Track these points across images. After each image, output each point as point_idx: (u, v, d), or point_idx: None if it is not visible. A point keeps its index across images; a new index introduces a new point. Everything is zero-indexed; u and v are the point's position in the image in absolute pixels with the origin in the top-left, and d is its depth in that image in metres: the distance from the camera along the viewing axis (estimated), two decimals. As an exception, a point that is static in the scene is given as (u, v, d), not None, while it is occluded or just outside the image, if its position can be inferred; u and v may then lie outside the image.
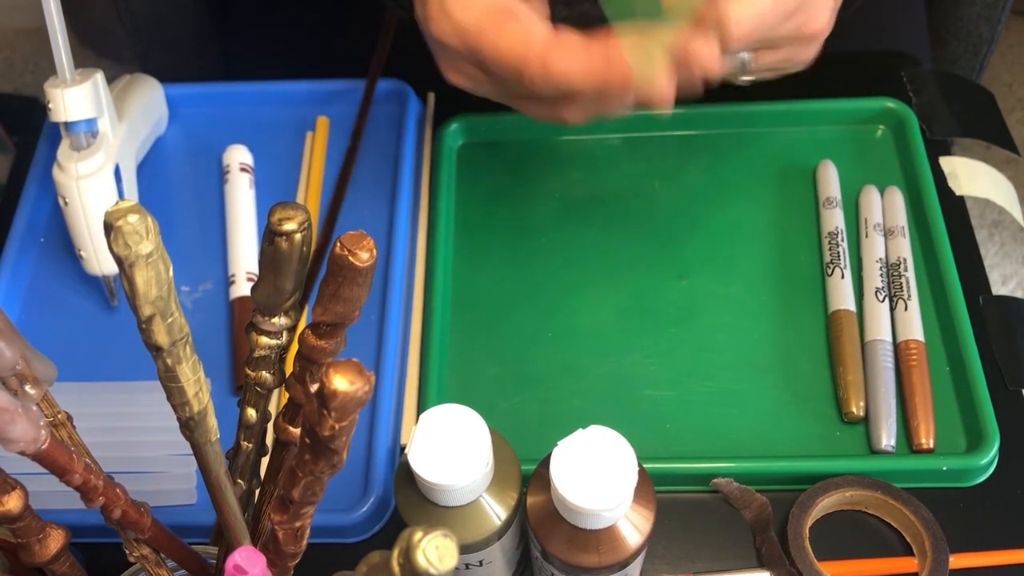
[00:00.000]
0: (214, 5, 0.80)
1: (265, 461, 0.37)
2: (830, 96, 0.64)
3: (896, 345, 0.54)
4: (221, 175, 0.64)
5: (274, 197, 0.63)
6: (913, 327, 0.54)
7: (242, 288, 0.58)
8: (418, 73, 0.67)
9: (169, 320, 0.27)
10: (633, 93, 0.45)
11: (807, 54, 0.52)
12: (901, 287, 0.56)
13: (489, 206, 0.63)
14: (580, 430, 0.39)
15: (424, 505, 0.41)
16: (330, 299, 0.31)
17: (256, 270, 0.59)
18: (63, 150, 0.55)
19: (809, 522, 0.49)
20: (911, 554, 0.49)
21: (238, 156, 0.63)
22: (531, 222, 0.62)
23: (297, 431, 0.35)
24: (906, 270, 0.57)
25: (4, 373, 0.28)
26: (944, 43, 0.82)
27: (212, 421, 0.31)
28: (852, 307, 0.56)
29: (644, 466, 0.40)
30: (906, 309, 0.55)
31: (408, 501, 0.41)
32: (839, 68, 0.66)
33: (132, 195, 0.59)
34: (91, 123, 0.55)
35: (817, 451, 0.52)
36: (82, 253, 0.57)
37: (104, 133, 0.56)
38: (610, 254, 0.60)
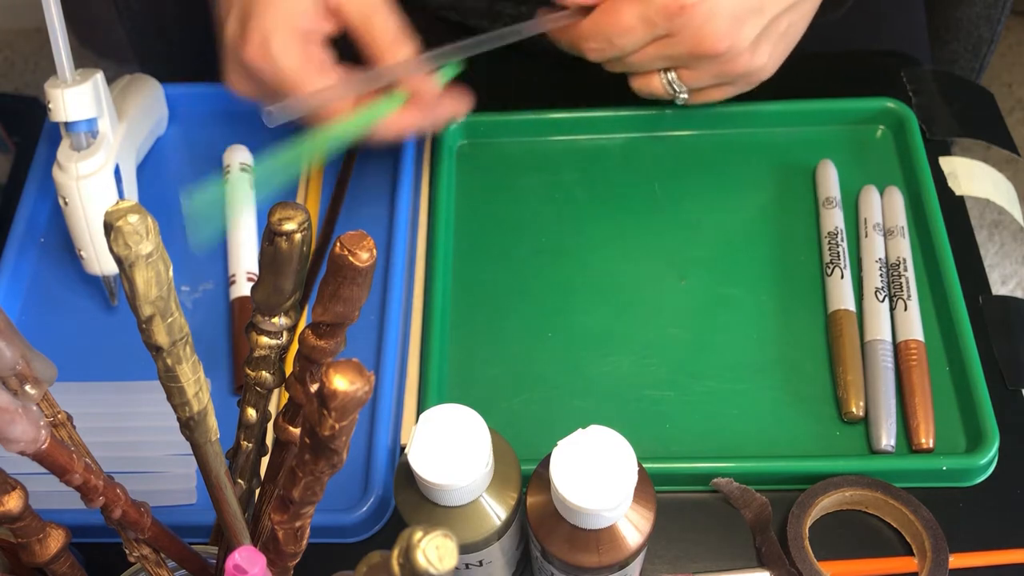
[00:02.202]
0: (214, 5, 0.80)
1: (265, 461, 0.37)
2: (830, 96, 0.64)
3: (896, 345, 0.55)
4: (221, 175, 0.64)
5: (275, 197, 0.63)
6: (913, 327, 0.54)
7: (242, 288, 0.58)
8: (418, 73, 0.67)
9: (169, 320, 0.27)
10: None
11: (736, 68, 0.55)
12: (901, 287, 0.56)
13: (489, 206, 0.63)
14: (580, 430, 0.39)
15: (424, 505, 0.41)
16: (330, 299, 0.31)
17: (256, 270, 0.59)
18: (63, 150, 0.55)
19: (809, 522, 0.49)
20: (911, 554, 0.49)
21: (238, 156, 0.63)
22: (531, 222, 0.62)
23: (297, 431, 0.35)
24: (906, 270, 0.57)
25: (4, 373, 0.28)
26: (944, 43, 0.82)
27: (212, 421, 0.31)
28: (852, 307, 0.56)
29: (644, 466, 0.40)
30: (906, 309, 0.55)
31: (408, 501, 0.41)
32: (839, 68, 0.67)
33: (132, 195, 0.59)
34: (91, 123, 0.55)
35: (817, 451, 0.52)
36: (82, 253, 0.57)
37: (104, 133, 0.56)
38: (610, 254, 0.60)
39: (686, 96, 0.58)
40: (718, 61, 0.54)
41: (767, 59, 0.56)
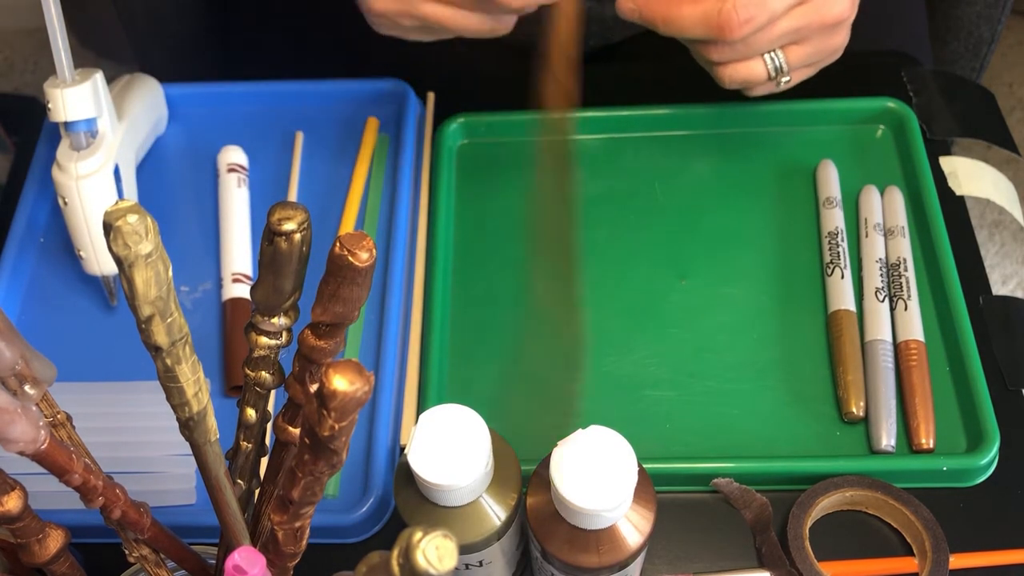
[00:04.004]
0: (214, 5, 0.80)
1: (265, 461, 0.37)
2: (830, 96, 0.64)
3: (896, 345, 0.54)
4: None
5: (274, 197, 0.63)
6: (913, 327, 0.54)
7: (230, 290, 0.58)
8: (418, 73, 0.67)
9: (168, 320, 0.27)
10: None
11: (835, 42, 0.53)
12: (901, 287, 0.56)
13: (489, 206, 0.63)
14: (580, 430, 0.39)
15: (424, 505, 0.40)
16: (330, 299, 0.31)
17: (243, 271, 0.59)
18: (63, 150, 0.55)
19: (809, 522, 0.49)
20: (911, 554, 0.49)
21: (227, 157, 0.63)
22: (531, 222, 0.62)
23: (297, 431, 0.35)
24: (906, 270, 0.57)
25: (4, 373, 0.28)
26: (944, 43, 0.82)
27: (211, 421, 0.31)
28: (852, 307, 0.56)
29: (644, 466, 0.40)
30: (906, 309, 0.55)
31: (408, 501, 0.41)
32: (839, 68, 0.67)
33: (131, 195, 0.59)
34: (91, 123, 0.55)
35: (817, 451, 0.52)
36: (82, 253, 0.57)
37: (104, 133, 0.56)
38: (610, 254, 0.60)
39: (789, 79, 0.54)
40: (832, 32, 0.52)
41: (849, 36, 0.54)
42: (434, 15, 0.51)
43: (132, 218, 0.25)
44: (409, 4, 0.51)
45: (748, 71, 0.54)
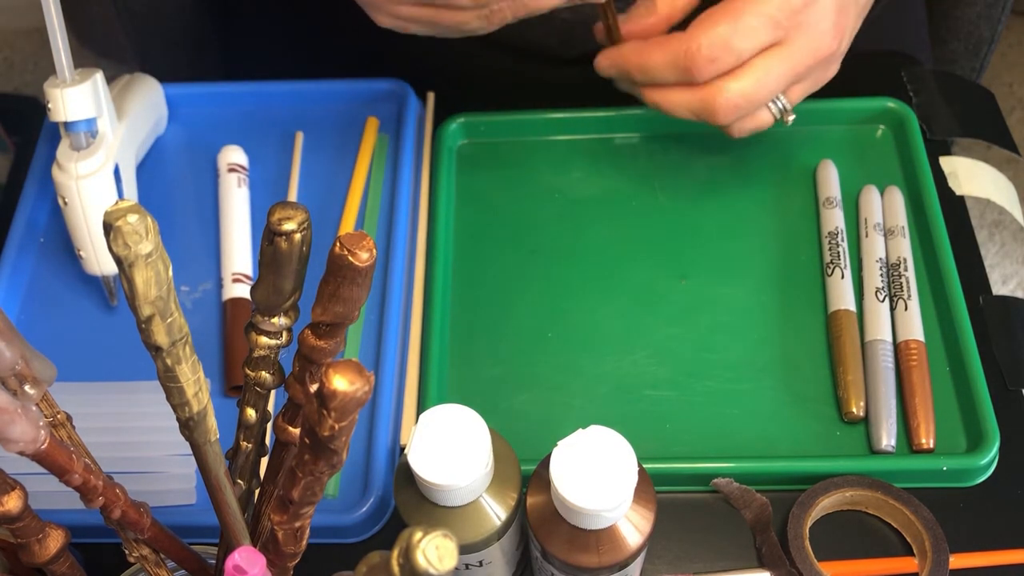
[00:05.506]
0: (214, 5, 0.80)
1: (265, 461, 0.37)
2: (830, 96, 0.64)
3: (896, 345, 0.54)
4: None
5: (274, 197, 0.63)
6: (913, 327, 0.54)
7: (230, 290, 0.58)
8: (418, 73, 0.67)
9: (168, 320, 0.27)
10: None
11: (830, 73, 0.55)
12: (901, 287, 0.56)
13: (489, 206, 0.63)
14: (580, 430, 0.39)
15: (424, 505, 0.40)
16: (330, 299, 0.31)
17: (243, 271, 0.59)
18: (63, 150, 0.55)
19: (809, 522, 0.49)
20: (911, 554, 0.49)
21: (227, 157, 0.63)
22: (531, 222, 0.62)
23: (297, 431, 0.35)
24: (906, 270, 0.57)
25: (4, 373, 0.28)
26: (944, 43, 0.82)
27: (212, 421, 0.31)
28: (852, 307, 0.56)
29: (644, 466, 0.40)
30: (906, 309, 0.55)
31: (408, 501, 0.41)
32: (839, 68, 0.67)
33: (132, 195, 0.59)
34: (91, 123, 0.55)
35: (817, 451, 0.52)
36: (82, 253, 0.57)
37: (104, 133, 0.56)
38: (610, 254, 0.60)
39: (793, 116, 0.54)
40: (826, 65, 0.52)
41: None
42: (415, 15, 0.50)
43: (132, 218, 0.25)
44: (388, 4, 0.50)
45: (755, 122, 0.54)
